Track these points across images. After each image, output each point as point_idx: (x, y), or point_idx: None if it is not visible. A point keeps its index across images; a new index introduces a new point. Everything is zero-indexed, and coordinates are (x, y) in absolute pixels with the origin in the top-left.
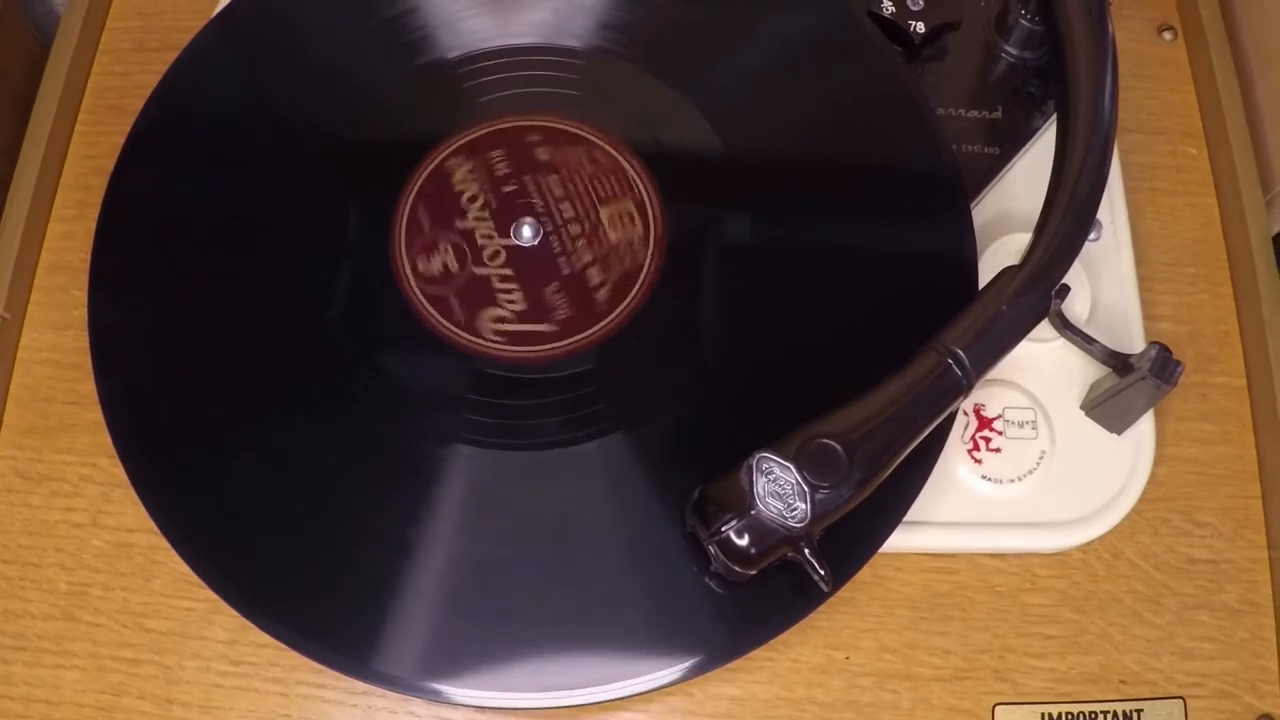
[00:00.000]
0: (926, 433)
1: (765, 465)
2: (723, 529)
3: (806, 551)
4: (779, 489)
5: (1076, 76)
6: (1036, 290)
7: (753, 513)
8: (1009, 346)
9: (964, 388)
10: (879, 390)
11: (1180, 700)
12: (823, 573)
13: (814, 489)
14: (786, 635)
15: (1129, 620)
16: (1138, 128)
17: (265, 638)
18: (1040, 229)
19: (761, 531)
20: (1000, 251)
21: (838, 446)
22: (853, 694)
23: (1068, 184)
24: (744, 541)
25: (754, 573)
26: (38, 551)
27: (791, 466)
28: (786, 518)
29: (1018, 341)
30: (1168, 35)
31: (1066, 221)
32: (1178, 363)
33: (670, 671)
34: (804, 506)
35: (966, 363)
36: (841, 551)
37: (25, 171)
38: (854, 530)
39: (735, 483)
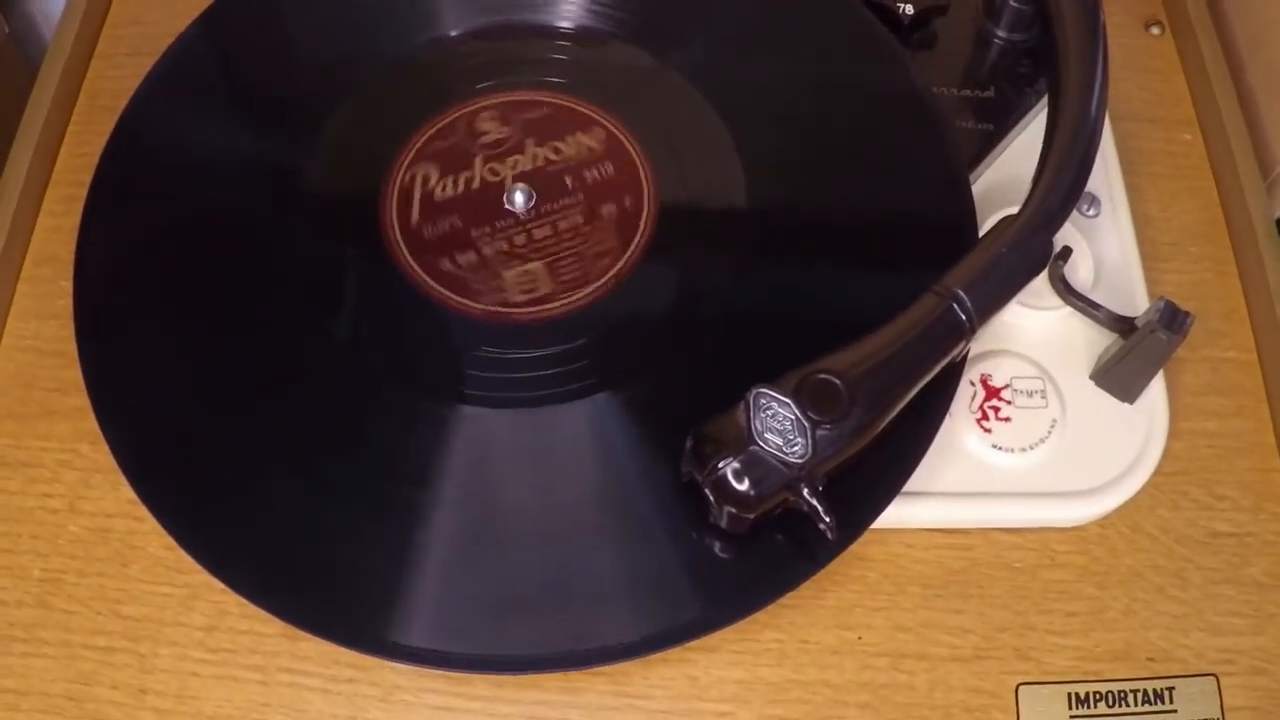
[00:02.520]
0: (930, 376)
1: (763, 401)
2: (719, 466)
3: (806, 492)
4: (778, 424)
5: (1064, 27)
6: (1036, 236)
7: (751, 448)
8: (1010, 291)
9: (966, 330)
10: (880, 331)
11: (1213, 677)
12: (827, 519)
13: (815, 425)
14: (795, 616)
15: (1153, 596)
16: (1131, 116)
17: (245, 624)
18: (1037, 177)
19: (760, 469)
20: None
21: (838, 382)
22: (866, 675)
23: (1065, 130)
24: (742, 481)
25: (752, 517)
26: (11, 538)
27: (791, 402)
28: (786, 454)
29: (1019, 287)
30: (1155, 30)
31: (1064, 167)
32: (1186, 313)
33: (657, 633)
34: (804, 442)
35: (968, 303)
36: (849, 509)
37: (15, 166)
38: (862, 488)
39: (732, 420)
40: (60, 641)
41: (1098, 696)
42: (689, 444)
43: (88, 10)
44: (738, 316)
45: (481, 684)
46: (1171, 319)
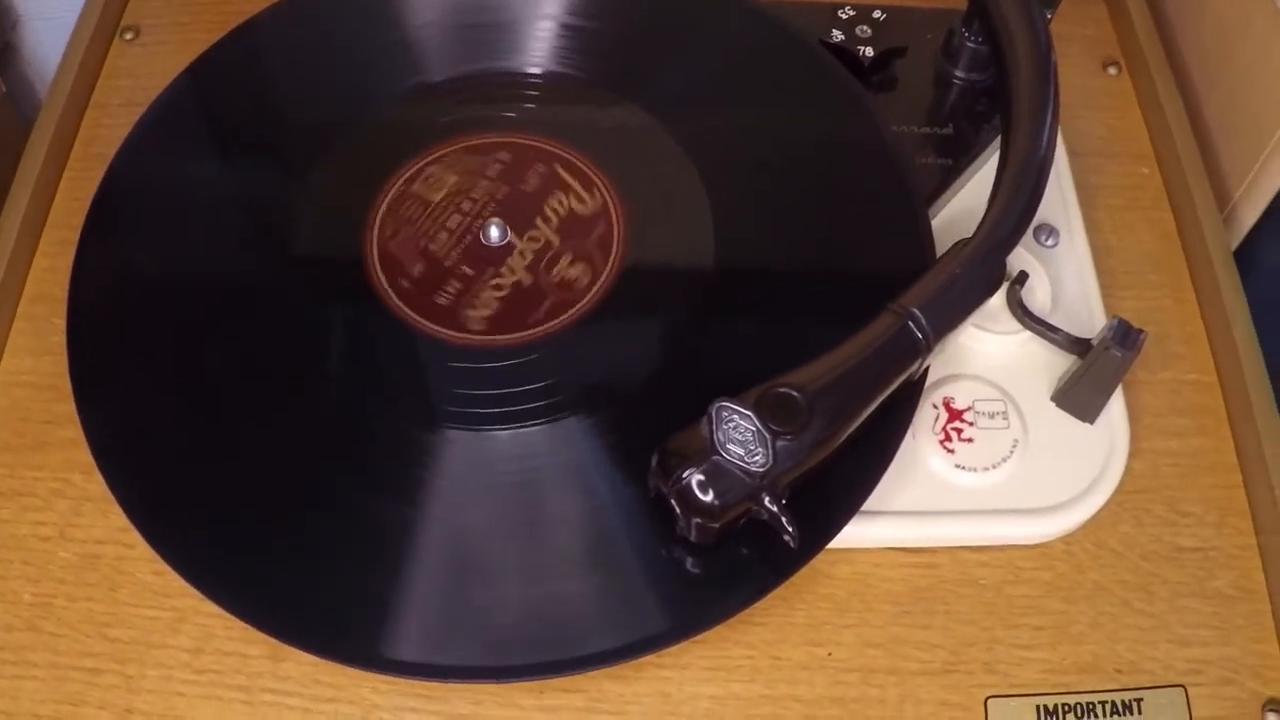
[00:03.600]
0: (888, 391)
1: (725, 414)
2: (684, 476)
3: (768, 501)
4: (740, 436)
5: (1018, 67)
6: (988, 258)
7: (714, 458)
8: (965, 310)
9: (922, 346)
10: (839, 348)
11: (1181, 688)
12: (790, 529)
13: (775, 435)
14: (766, 633)
15: (1119, 609)
16: (1090, 152)
17: (230, 645)
18: (991, 204)
19: (723, 480)
20: None
21: (797, 395)
22: (837, 690)
23: (1016, 160)
24: (706, 490)
25: (717, 527)
26: (3, 564)
27: (752, 414)
28: (748, 464)
29: (973, 307)
30: (1112, 70)
31: (1015, 194)
32: (1140, 330)
33: (629, 643)
34: (765, 452)
35: (924, 321)
36: (813, 523)
37: (12, 209)
38: (825, 503)
39: (696, 433)
40: (49, 664)
41: (1066, 708)
42: (655, 458)
43: (84, 61)
44: (704, 344)
45: (459, 702)
46: (1125, 336)
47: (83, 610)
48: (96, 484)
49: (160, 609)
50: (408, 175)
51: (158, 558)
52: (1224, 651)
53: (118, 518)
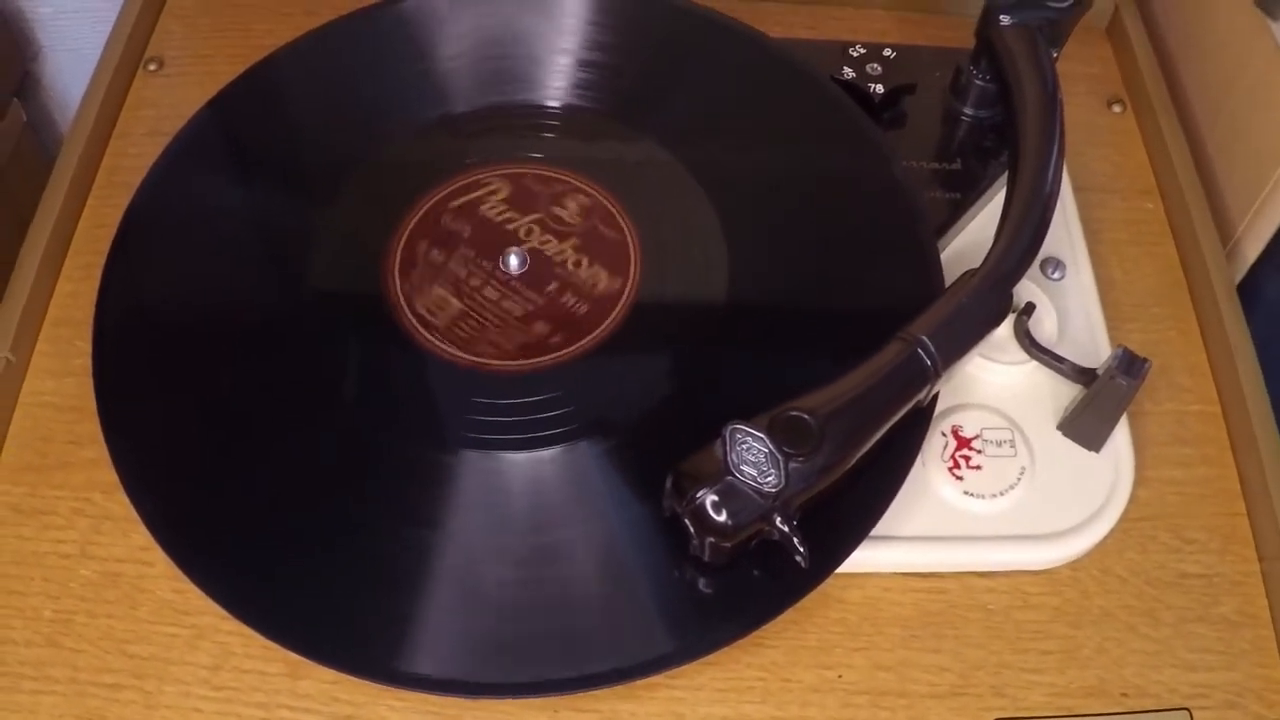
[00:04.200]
0: (897, 416)
1: (739, 436)
2: (698, 496)
3: (779, 521)
4: (753, 457)
5: (1025, 104)
6: (995, 289)
7: (728, 479)
8: (972, 339)
9: (931, 373)
10: (850, 374)
11: (1186, 711)
12: (801, 549)
13: (788, 458)
14: (777, 655)
15: (1125, 634)
16: (1095, 187)
17: (249, 663)
18: (998, 236)
19: (737, 500)
20: None
21: (809, 418)
22: (848, 712)
23: (1022, 194)
24: (720, 510)
25: (730, 546)
26: (24, 580)
27: (765, 436)
28: (760, 484)
29: (980, 335)
30: (1117, 108)
31: (1021, 227)
32: (1144, 359)
33: (641, 662)
34: (777, 474)
35: (932, 349)
36: (824, 546)
37: (37, 234)
38: (837, 526)
39: (710, 455)
40: (69, 679)
41: None
42: (669, 480)
43: (108, 91)
44: (716, 372)
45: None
46: (1130, 365)
47: (103, 627)
48: (117, 503)
49: (179, 626)
50: (430, 204)
51: (177, 576)
52: (1229, 676)
53: (138, 536)
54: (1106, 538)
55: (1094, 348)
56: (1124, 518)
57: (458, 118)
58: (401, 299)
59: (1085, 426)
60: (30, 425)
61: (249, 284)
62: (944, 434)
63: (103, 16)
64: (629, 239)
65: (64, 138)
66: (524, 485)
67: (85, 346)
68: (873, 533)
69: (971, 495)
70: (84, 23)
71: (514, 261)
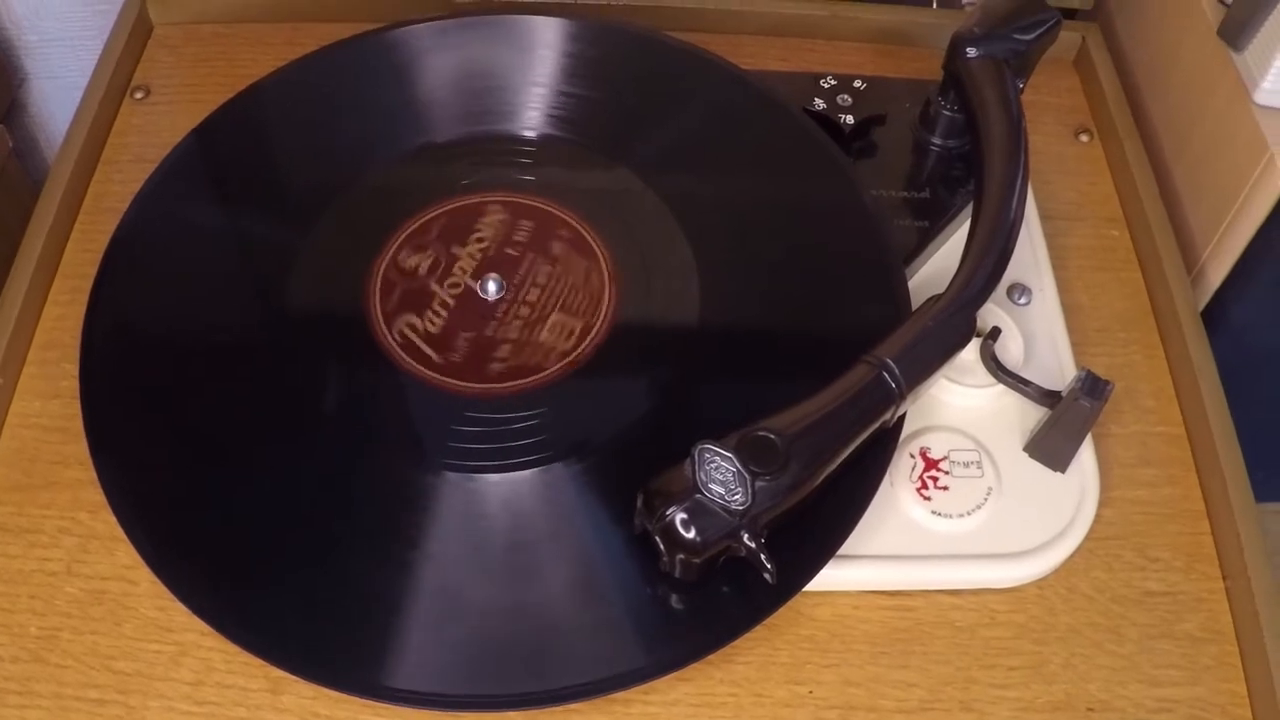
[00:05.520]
0: (863, 437)
1: (707, 455)
2: (668, 514)
3: (747, 538)
4: (721, 476)
5: (990, 135)
6: (959, 314)
7: (696, 496)
8: (936, 362)
9: (895, 396)
10: (816, 395)
11: None
12: (769, 565)
13: (754, 476)
14: (749, 671)
15: (1091, 650)
16: (1062, 215)
17: (230, 679)
18: (962, 262)
19: (705, 518)
20: None
21: (775, 438)
22: None
23: (986, 222)
24: (689, 528)
25: (699, 563)
26: (10, 598)
27: (732, 455)
28: (728, 502)
29: (945, 359)
30: (1084, 137)
31: (985, 253)
32: (1107, 382)
33: (615, 674)
34: (744, 492)
35: (897, 372)
36: (793, 563)
37: (24, 258)
38: (806, 544)
39: (679, 474)
40: (53, 694)
41: None
42: (640, 499)
43: (96, 118)
44: (687, 396)
45: None
46: (1093, 387)
47: (87, 643)
48: (103, 522)
49: (163, 643)
50: (410, 231)
51: (161, 594)
52: (1193, 691)
53: (123, 555)
54: (1072, 556)
55: (1060, 371)
56: (1089, 537)
57: (439, 147)
58: (382, 322)
59: (1051, 447)
60: (17, 446)
61: (233, 308)
62: (912, 455)
63: (87, 45)
64: (604, 266)
65: (50, 164)
66: (501, 505)
67: (72, 369)
68: (842, 551)
69: (939, 515)
70: (68, 51)
71: (492, 287)
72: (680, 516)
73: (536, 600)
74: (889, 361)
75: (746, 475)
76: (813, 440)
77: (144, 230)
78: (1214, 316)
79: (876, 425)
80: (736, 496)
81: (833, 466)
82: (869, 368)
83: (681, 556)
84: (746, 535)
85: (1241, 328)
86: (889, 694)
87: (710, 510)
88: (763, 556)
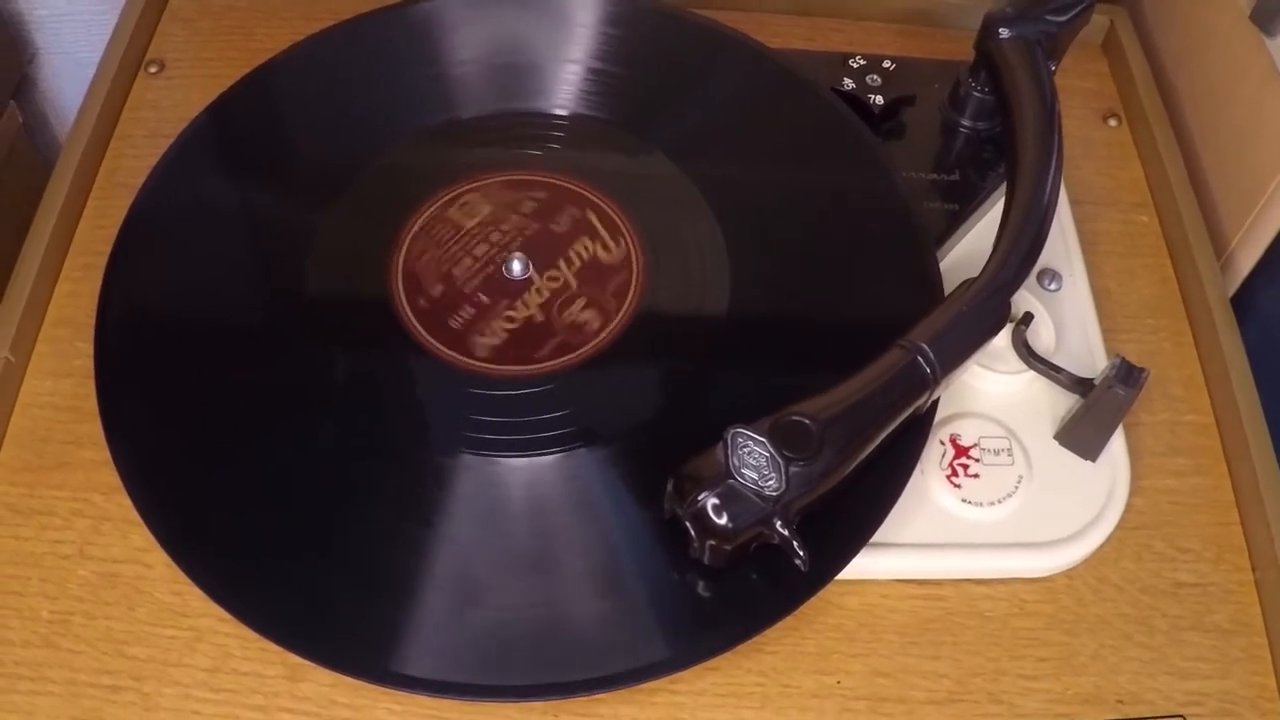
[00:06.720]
0: (896, 422)
1: (740, 440)
2: (700, 499)
3: (779, 524)
4: (754, 461)
5: (1024, 117)
6: (993, 298)
7: (729, 482)
8: (970, 347)
9: (930, 381)
10: (850, 380)
11: (1180, 718)
12: (801, 553)
13: (788, 462)
14: (777, 661)
15: (1120, 642)
16: (1091, 200)
17: (247, 665)
18: (996, 246)
19: (737, 502)
20: None
21: (809, 423)
22: (846, 718)
23: (1020, 205)
24: (720, 513)
25: (730, 549)
26: (22, 581)
27: (766, 440)
28: (761, 487)
29: (979, 344)
30: (1113, 122)
31: (1019, 238)
32: (1142, 369)
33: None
34: (778, 478)
35: (932, 356)
36: (825, 552)
37: (37, 235)
38: (837, 532)
39: (711, 458)
40: (66, 680)
41: None
42: (670, 483)
43: (109, 93)
44: (717, 381)
45: None
46: (1127, 375)
47: (101, 628)
48: (116, 504)
49: (178, 628)
50: (434, 208)
51: (176, 578)
52: (1222, 684)
53: (137, 537)
54: (1102, 546)
55: (1089, 358)
56: (1120, 527)
57: (463, 123)
58: (404, 302)
59: (1082, 436)
60: (29, 425)
61: (251, 286)
62: (942, 442)
63: (99, 20)
64: (633, 247)
65: (60, 141)
66: (524, 490)
67: (85, 347)
68: (871, 539)
69: (969, 503)
70: (80, 26)
71: (516, 267)
72: (712, 502)
73: (560, 588)
74: (924, 346)
75: (780, 460)
76: (847, 426)
77: (160, 207)
78: (1243, 304)
79: (910, 411)
80: (770, 482)
81: (866, 452)
82: (903, 352)
83: (712, 543)
84: (779, 522)
85: (1271, 315)
86: (918, 685)
87: (743, 496)
88: (795, 543)
